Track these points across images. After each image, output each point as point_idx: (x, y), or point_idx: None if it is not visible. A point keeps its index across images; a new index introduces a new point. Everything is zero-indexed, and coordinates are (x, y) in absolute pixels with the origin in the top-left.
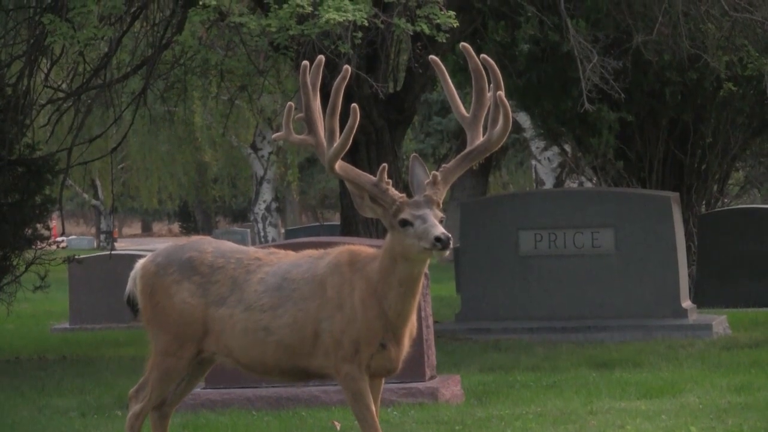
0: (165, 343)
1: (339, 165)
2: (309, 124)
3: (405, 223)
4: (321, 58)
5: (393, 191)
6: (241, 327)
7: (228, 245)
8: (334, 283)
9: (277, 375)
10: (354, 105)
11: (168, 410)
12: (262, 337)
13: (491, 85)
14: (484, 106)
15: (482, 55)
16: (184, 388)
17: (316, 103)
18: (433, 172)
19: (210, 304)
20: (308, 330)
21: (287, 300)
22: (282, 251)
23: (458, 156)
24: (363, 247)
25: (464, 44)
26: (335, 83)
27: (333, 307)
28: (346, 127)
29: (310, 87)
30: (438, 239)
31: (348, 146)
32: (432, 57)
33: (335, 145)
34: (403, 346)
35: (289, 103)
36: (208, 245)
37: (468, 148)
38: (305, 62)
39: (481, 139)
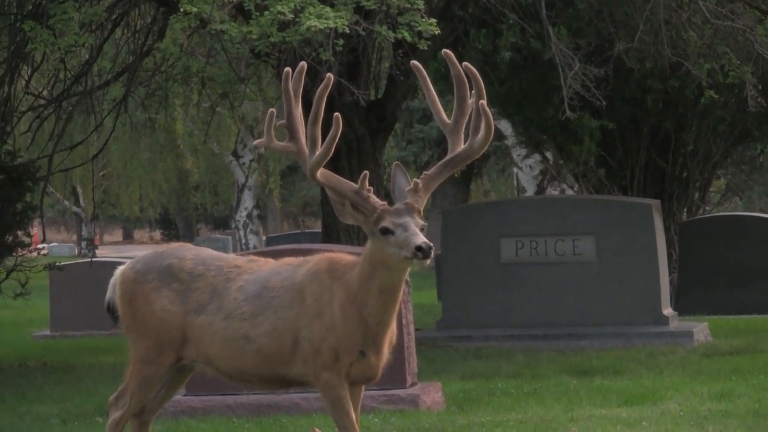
0: (144, 350)
1: (320, 172)
2: (291, 131)
3: (386, 231)
4: (303, 64)
5: (374, 199)
6: (221, 335)
7: (208, 252)
8: (313, 290)
9: (257, 382)
10: (336, 114)
11: (148, 418)
12: (242, 345)
13: (473, 92)
14: (465, 114)
15: (464, 63)
16: (164, 395)
17: (298, 110)
18: (414, 179)
19: (189, 312)
20: (287, 338)
21: (267, 308)
22: (262, 259)
23: (439, 163)
24: (342, 255)
25: (446, 51)
26: (318, 91)
27: (312, 315)
28: (329, 135)
29: (291, 94)
30: (419, 248)
31: (330, 154)
32: (414, 62)
33: (317, 153)
34: (383, 354)
35: (270, 109)
36: (188, 252)
37: (449, 156)
38: (287, 69)
39: (462, 146)
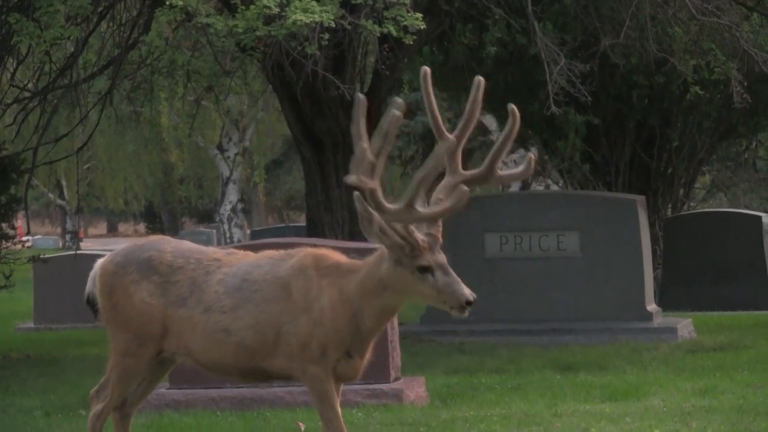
0: (125, 342)
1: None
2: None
3: (425, 270)
4: (363, 99)
5: (417, 234)
6: (201, 328)
7: (188, 245)
8: (299, 286)
9: (237, 375)
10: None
11: (129, 411)
12: (223, 338)
13: (508, 132)
14: (467, 131)
15: (511, 106)
16: (145, 388)
17: (366, 143)
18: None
19: (169, 305)
20: (269, 332)
21: (247, 301)
22: (241, 252)
23: (457, 191)
24: (327, 251)
25: (479, 77)
26: (386, 125)
27: (299, 310)
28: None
29: (361, 130)
30: (469, 303)
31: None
32: (424, 68)
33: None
34: (366, 357)
35: (362, 144)
36: (168, 245)
37: (469, 175)
38: (362, 97)
39: (482, 169)
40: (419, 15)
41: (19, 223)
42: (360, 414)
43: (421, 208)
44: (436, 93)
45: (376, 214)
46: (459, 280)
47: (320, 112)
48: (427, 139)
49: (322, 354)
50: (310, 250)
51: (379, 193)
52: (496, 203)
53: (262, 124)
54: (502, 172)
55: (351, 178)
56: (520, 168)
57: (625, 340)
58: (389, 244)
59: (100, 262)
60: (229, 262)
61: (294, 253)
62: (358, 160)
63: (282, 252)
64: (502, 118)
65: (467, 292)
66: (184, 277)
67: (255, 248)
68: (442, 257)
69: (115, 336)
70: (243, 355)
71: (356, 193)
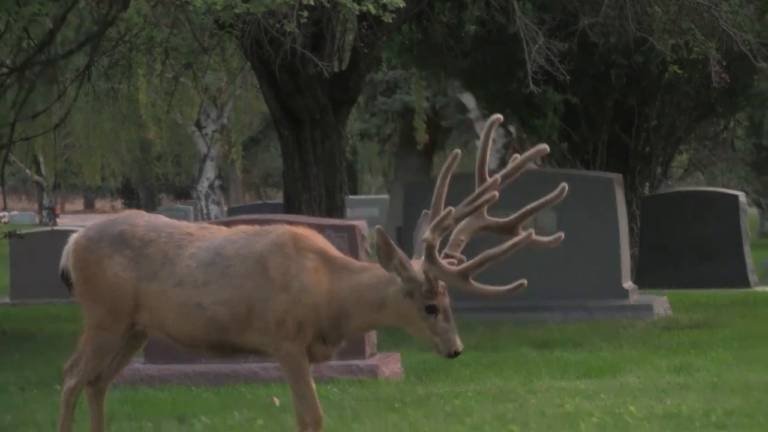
0: (98, 317)
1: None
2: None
3: (432, 311)
4: (457, 153)
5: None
6: (174, 302)
7: (161, 219)
8: (277, 263)
9: (207, 349)
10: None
11: (103, 386)
12: (194, 312)
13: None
14: (508, 178)
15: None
16: (119, 363)
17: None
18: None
19: (142, 278)
20: (242, 307)
21: (221, 276)
22: (214, 226)
23: (485, 254)
24: (306, 232)
25: (498, 116)
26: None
27: (277, 287)
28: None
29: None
30: (457, 353)
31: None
32: (496, 116)
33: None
34: (339, 345)
35: (449, 208)
36: (140, 219)
37: (493, 222)
38: (458, 152)
39: (508, 220)
40: None
41: None
42: (335, 389)
43: (473, 281)
44: (414, 71)
45: (399, 251)
46: (455, 328)
47: (298, 89)
48: (405, 117)
49: (298, 331)
50: (288, 227)
51: (436, 249)
52: (473, 180)
53: (240, 102)
54: (524, 232)
55: (427, 235)
56: (549, 238)
57: (601, 317)
58: (407, 277)
59: (73, 237)
60: (201, 237)
61: (271, 230)
62: (438, 219)
63: (257, 228)
64: (481, 96)
65: (458, 343)
66: (155, 251)
67: (229, 224)
68: (448, 302)
69: (88, 310)
70: (214, 329)
71: (378, 227)
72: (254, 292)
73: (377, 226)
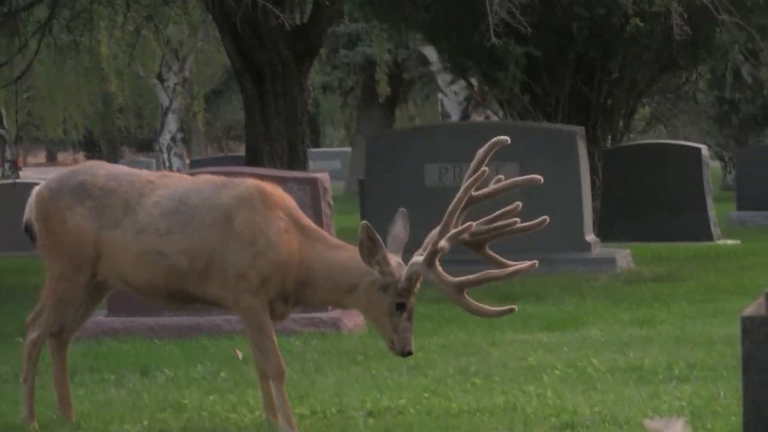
0: (60, 268)
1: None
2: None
3: (401, 308)
4: (485, 170)
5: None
6: (135, 250)
7: (121, 169)
8: (244, 217)
9: (166, 298)
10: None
11: (66, 338)
12: (156, 260)
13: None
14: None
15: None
16: (82, 315)
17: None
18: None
19: (103, 228)
20: (203, 257)
21: (185, 225)
22: (176, 175)
23: (486, 274)
24: (275, 189)
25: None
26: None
27: (243, 241)
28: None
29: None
30: (409, 353)
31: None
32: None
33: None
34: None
35: (470, 223)
36: (101, 169)
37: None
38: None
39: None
40: None
41: None
42: (298, 342)
43: (466, 295)
44: (375, 24)
45: (383, 248)
46: (412, 329)
47: (260, 42)
48: (367, 70)
49: (261, 285)
50: (256, 182)
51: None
52: (435, 133)
53: (202, 54)
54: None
55: (443, 243)
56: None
57: (564, 270)
58: (387, 272)
59: (36, 189)
60: (164, 185)
61: (238, 183)
62: (456, 231)
63: (224, 179)
64: (442, 49)
65: (412, 345)
66: (116, 200)
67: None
68: (411, 306)
69: (51, 262)
70: (174, 278)
71: (364, 222)
72: (218, 243)
73: (363, 222)
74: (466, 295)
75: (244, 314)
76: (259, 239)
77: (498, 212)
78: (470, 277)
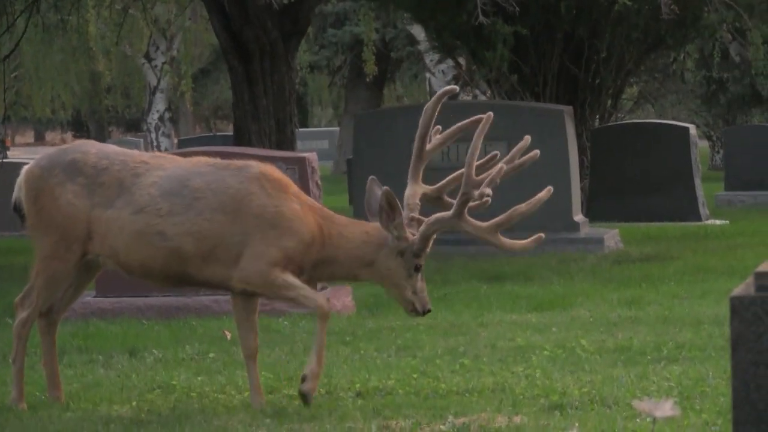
0: (50, 246)
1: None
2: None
3: (418, 269)
4: (490, 115)
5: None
6: (132, 229)
7: (112, 148)
8: (260, 201)
9: (161, 279)
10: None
11: (56, 318)
12: (156, 241)
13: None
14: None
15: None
16: (71, 295)
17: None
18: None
19: (95, 206)
20: (211, 240)
21: (189, 208)
22: (168, 155)
23: (514, 210)
24: (280, 174)
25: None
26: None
27: (264, 224)
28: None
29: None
30: (429, 311)
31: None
32: (486, 116)
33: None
34: None
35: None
36: (92, 147)
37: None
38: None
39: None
40: None
41: None
42: (286, 323)
43: (500, 235)
44: (363, 3)
45: (401, 214)
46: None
47: (248, 21)
48: (355, 49)
49: (285, 265)
50: (259, 164)
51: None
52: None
53: (190, 33)
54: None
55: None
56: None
57: (552, 250)
58: (402, 237)
59: (26, 167)
60: (160, 165)
61: (241, 165)
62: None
63: (223, 161)
64: (430, 28)
65: (430, 302)
66: (110, 179)
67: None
68: (422, 265)
69: (40, 240)
70: (174, 260)
71: (386, 188)
72: (229, 227)
73: (385, 187)
74: (499, 235)
75: (268, 284)
76: (281, 222)
77: (488, 156)
78: (500, 217)
